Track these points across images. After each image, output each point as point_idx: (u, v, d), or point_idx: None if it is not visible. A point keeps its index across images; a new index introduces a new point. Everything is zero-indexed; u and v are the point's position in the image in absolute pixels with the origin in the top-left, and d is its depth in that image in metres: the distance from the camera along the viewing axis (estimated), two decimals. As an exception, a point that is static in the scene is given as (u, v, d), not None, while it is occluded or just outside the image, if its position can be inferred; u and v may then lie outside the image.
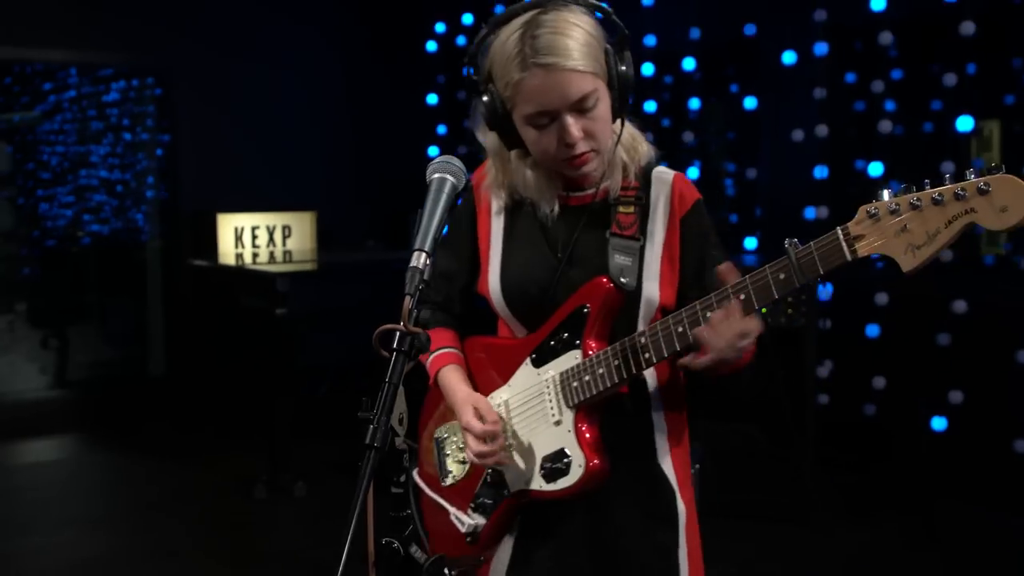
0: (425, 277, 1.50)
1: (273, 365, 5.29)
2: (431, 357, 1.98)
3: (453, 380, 1.94)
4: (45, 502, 5.29)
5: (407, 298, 1.47)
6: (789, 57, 5.20)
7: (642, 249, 1.83)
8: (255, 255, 6.72)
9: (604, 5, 1.77)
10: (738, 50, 5.94)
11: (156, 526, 4.90)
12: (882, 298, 4.84)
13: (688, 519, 1.92)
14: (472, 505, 1.89)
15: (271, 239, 6.88)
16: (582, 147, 1.75)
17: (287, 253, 6.83)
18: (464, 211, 2.02)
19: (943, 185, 1.45)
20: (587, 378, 1.76)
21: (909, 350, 4.84)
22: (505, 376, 1.90)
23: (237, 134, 7.29)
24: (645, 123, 1.98)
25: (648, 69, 5.79)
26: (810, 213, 5.01)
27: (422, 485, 2.02)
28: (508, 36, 1.74)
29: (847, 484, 5.02)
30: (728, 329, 1.63)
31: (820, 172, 4.97)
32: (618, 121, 1.82)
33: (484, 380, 1.94)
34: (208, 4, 7.19)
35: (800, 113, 5.19)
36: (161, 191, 7.74)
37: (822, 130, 4.93)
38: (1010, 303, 4.70)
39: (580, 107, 1.72)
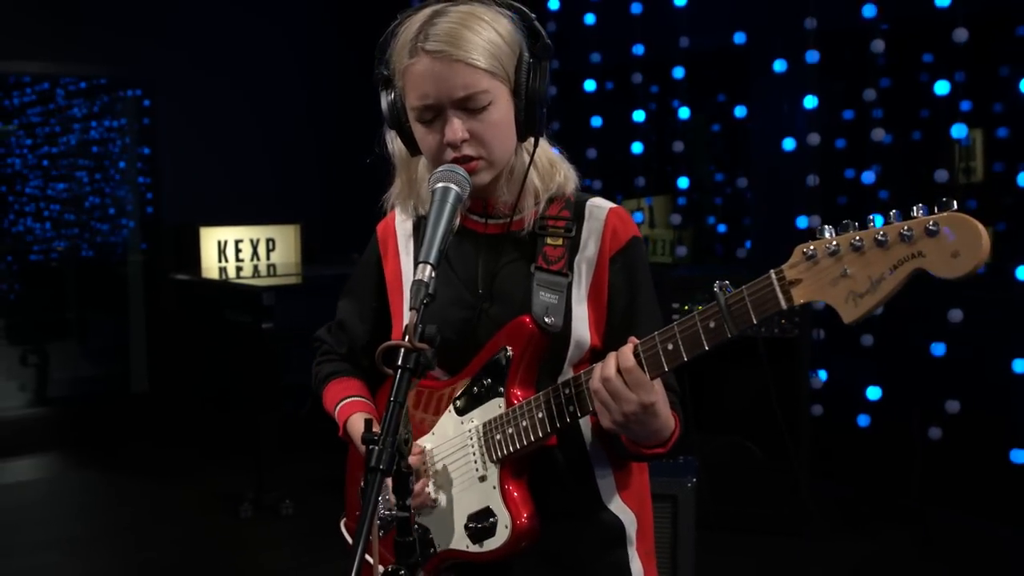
0: (430, 291, 1.40)
1: (258, 380, 5.20)
2: (337, 408, 1.85)
3: (360, 429, 1.77)
4: (25, 523, 5.18)
5: (412, 312, 1.38)
6: (779, 65, 5.16)
7: (569, 286, 1.67)
8: (239, 269, 6.64)
9: (526, 11, 1.64)
10: (728, 59, 5.91)
11: (140, 547, 4.80)
12: (876, 307, 4.80)
13: (646, 570, 1.78)
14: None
15: (255, 252, 6.81)
16: (466, 150, 1.60)
17: (271, 267, 6.75)
18: (368, 261, 1.91)
19: (891, 223, 1.26)
20: (510, 430, 1.61)
21: (904, 360, 4.80)
22: (429, 423, 1.75)
23: (219, 147, 7.21)
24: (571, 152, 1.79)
25: (636, 78, 5.76)
26: (802, 222, 4.97)
27: (350, 539, 1.87)
28: (412, 24, 1.62)
29: (843, 495, 4.98)
30: (621, 391, 1.47)
31: (811, 181, 4.93)
32: (530, 140, 1.67)
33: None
34: (189, 17, 7.11)
35: (791, 122, 5.16)
36: (142, 205, 7.64)
37: (814, 138, 4.90)
38: (1004, 312, 4.67)
39: (467, 105, 1.59)
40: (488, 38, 1.59)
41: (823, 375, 4.95)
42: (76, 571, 4.54)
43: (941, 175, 4.51)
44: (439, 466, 1.72)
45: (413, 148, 1.71)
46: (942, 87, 4.54)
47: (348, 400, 1.86)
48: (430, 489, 1.72)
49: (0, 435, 6.66)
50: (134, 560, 4.64)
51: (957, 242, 1.20)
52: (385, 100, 1.69)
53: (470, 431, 1.68)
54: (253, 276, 6.38)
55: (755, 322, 1.37)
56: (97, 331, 8.61)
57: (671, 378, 1.68)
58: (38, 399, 7.70)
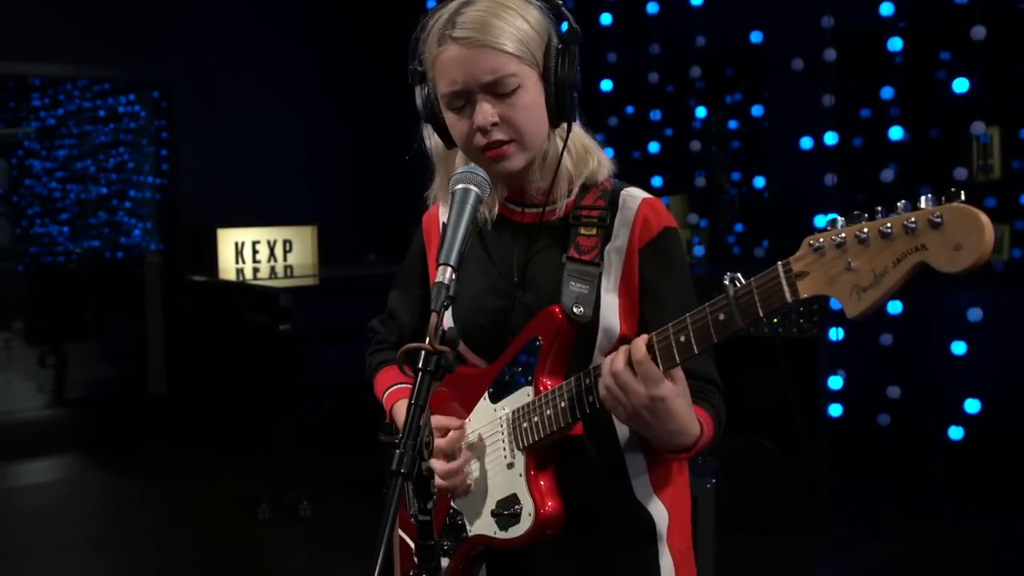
0: (451, 293, 1.40)
1: (275, 382, 5.21)
2: (385, 394, 1.89)
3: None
4: (44, 525, 5.20)
5: (432, 315, 1.38)
6: (796, 64, 5.14)
7: (600, 275, 1.68)
8: (256, 270, 6.65)
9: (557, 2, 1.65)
10: (744, 58, 5.89)
11: (159, 548, 4.81)
12: (895, 306, 4.78)
13: (679, 568, 1.75)
14: None
15: (272, 254, 6.82)
16: (497, 135, 1.61)
17: (288, 268, 6.77)
18: (414, 253, 1.93)
19: (898, 214, 1.21)
20: (536, 419, 1.62)
21: (924, 358, 4.78)
22: (467, 409, 1.78)
23: (236, 148, 7.23)
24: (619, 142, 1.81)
25: (653, 78, 5.75)
26: (820, 221, 4.95)
27: None
28: (441, 16, 1.64)
29: (862, 495, 4.95)
30: (630, 384, 1.47)
31: (829, 180, 4.91)
32: (563, 126, 1.68)
33: (446, 413, 1.80)
34: (207, 19, 7.14)
35: (808, 120, 5.13)
36: (159, 206, 7.67)
37: (831, 137, 4.88)
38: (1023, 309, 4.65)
39: (495, 90, 1.60)
40: (516, 25, 1.61)
41: (841, 375, 4.94)
42: (94, 573, 4.55)
43: (960, 173, 4.49)
44: (475, 451, 1.75)
45: (448, 141, 1.72)
46: (960, 85, 4.51)
47: (395, 387, 1.89)
48: (467, 468, 1.74)
49: (18, 436, 6.71)
50: (152, 562, 4.65)
51: (959, 234, 1.14)
52: (420, 95, 1.71)
53: (501, 418, 1.70)
54: (270, 277, 6.39)
55: (761, 315, 1.35)
56: (114, 332, 8.66)
57: (712, 370, 1.69)
58: (56, 400, 7.75)
